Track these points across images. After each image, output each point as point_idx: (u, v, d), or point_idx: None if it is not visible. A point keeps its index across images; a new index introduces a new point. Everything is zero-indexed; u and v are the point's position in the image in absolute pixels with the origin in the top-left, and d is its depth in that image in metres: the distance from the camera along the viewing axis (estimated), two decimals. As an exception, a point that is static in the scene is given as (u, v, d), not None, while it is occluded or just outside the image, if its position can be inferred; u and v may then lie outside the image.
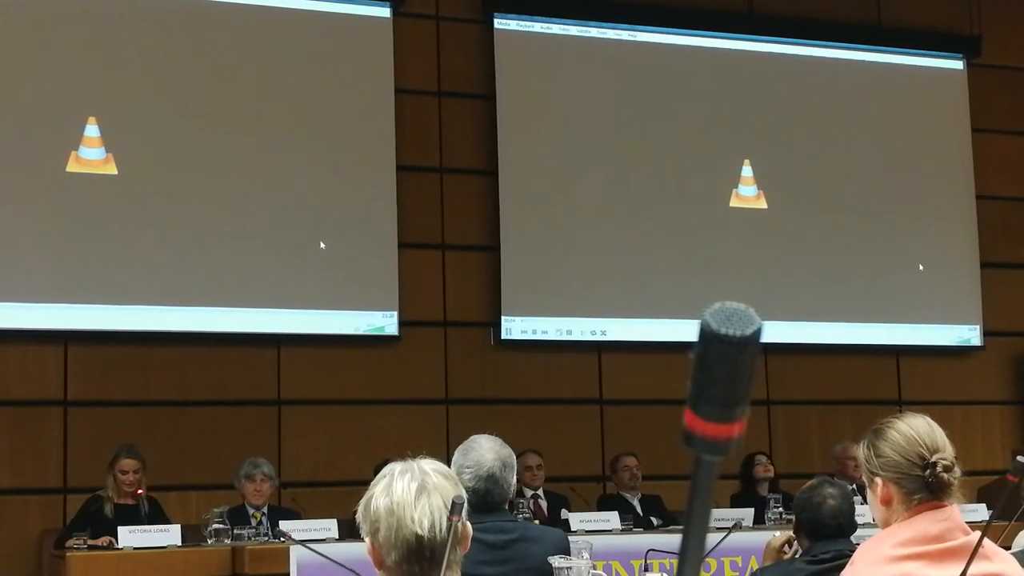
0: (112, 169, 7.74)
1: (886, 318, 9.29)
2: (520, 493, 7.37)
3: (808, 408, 9.14)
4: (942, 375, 9.43)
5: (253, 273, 7.92)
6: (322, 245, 8.10)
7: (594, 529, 6.62)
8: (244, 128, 8.05)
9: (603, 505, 7.76)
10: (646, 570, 5.73)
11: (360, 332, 8.15)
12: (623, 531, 6.85)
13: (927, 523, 2.50)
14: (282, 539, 6.01)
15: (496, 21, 8.70)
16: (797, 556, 3.92)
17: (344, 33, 8.35)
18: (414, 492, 2.19)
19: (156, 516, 6.83)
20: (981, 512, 6.46)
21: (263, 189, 8.03)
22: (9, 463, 7.48)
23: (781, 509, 7.00)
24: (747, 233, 9.07)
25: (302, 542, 5.64)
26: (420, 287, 8.34)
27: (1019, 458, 2.65)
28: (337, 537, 6.26)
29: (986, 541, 2.45)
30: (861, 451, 2.64)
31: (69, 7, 7.79)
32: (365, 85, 8.34)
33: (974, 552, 2.40)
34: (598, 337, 8.66)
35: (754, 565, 5.94)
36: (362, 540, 2.28)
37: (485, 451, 3.52)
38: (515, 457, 3.63)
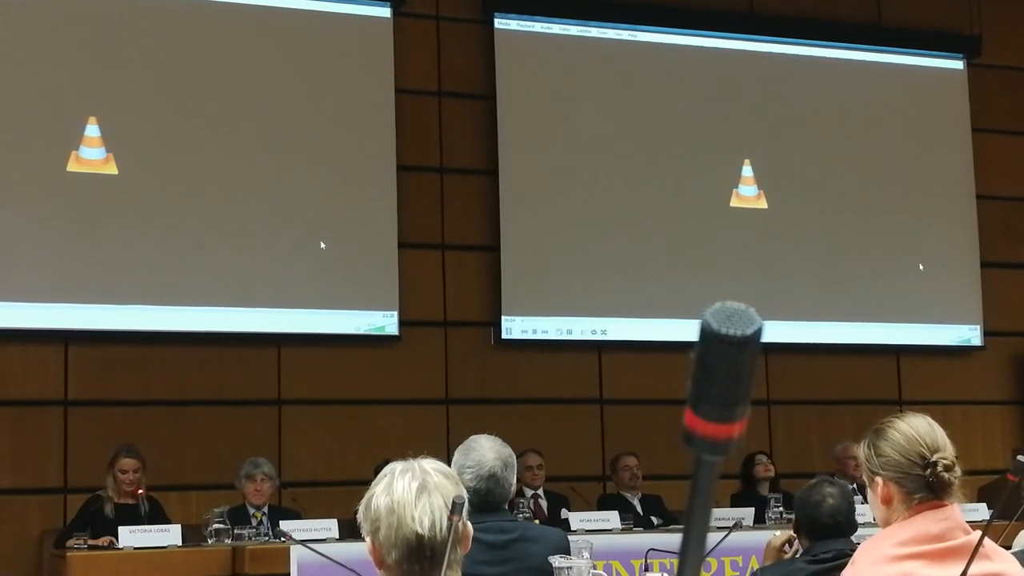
0: (112, 169, 7.74)
1: (886, 318, 9.29)
2: (520, 493, 7.37)
3: (808, 408, 9.14)
4: (942, 375, 9.43)
5: (253, 273, 7.92)
6: (322, 245, 8.10)
7: (594, 529, 6.62)
8: (244, 128, 8.05)
9: (603, 505, 7.76)
10: (646, 570, 5.73)
11: (360, 332, 8.15)
12: (623, 531, 6.85)
13: (928, 522, 2.50)
14: (282, 539, 6.01)
15: (496, 21, 8.70)
16: (797, 556, 3.92)
17: (344, 33, 8.35)
18: (415, 491, 2.19)
19: (156, 516, 6.83)
20: (981, 512, 6.46)
21: (263, 189, 8.03)
22: (9, 463, 7.48)
23: (781, 509, 7.00)
24: (747, 233, 9.07)
25: (302, 542, 5.64)
26: (420, 287, 8.34)
27: (1019, 457, 2.66)
28: (337, 537, 6.27)
29: (987, 540, 2.45)
30: (862, 451, 2.64)
31: (69, 7, 7.79)
32: (365, 85, 8.34)
33: (975, 551, 2.40)
34: (598, 337, 8.67)
35: (754, 565, 5.94)
36: (363, 540, 2.28)
37: (486, 451, 3.52)
38: (515, 457, 3.63)
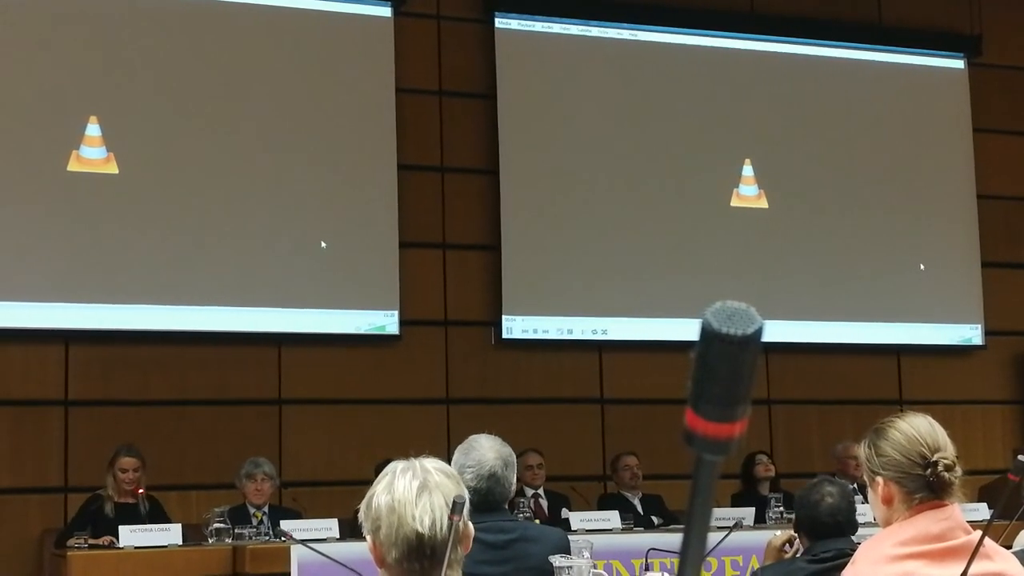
0: (113, 168, 7.74)
1: (887, 317, 9.29)
2: (521, 492, 7.37)
3: (809, 407, 9.14)
4: (943, 374, 9.42)
5: (254, 272, 7.92)
6: (323, 244, 8.10)
7: (595, 528, 6.62)
8: (245, 127, 8.05)
9: (604, 504, 7.76)
10: (647, 569, 5.73)
11: (361, 331, 8.15)
12: (624, 530, 6.85)
13: (928, 522, 2.50)
14: (283, 539, 6.00)
15: (497, 20, 8.70)
16: (798, 555, 3.92)
17: (345, 33, 8.35)
18: (415, 490, 2.19)
19: (156, 515, 6.83)
20: (982, 511, 6.47)
21: (264, 188, 8.03)
22: (10, 463, 7.48)
23: (782, 508, 7.00)
24: (748, 232, 9.07)
25: (303, 541, 5.64)
26: (421, 286, 8.34)
27: (1020, 457, 2.65)
28: (338, 537, 6.27)
29: (987, 540, 2.45)
30: (862, 450, 2.64)
31: (69, 7, 7.79)
32: (366, 84, 8.33)
33: (975, 551, 2.40)
34: (599, 336, 8.66)
35: (755, 564, 5.94)
36: (363, 539, 2.28)
37: (486, 450, 3.52)
38: (515, 456, 3.63)
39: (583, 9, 8.94)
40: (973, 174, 9.67)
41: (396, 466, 2.26)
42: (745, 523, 6.66)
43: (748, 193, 9.15)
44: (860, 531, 3.73)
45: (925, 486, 2.54)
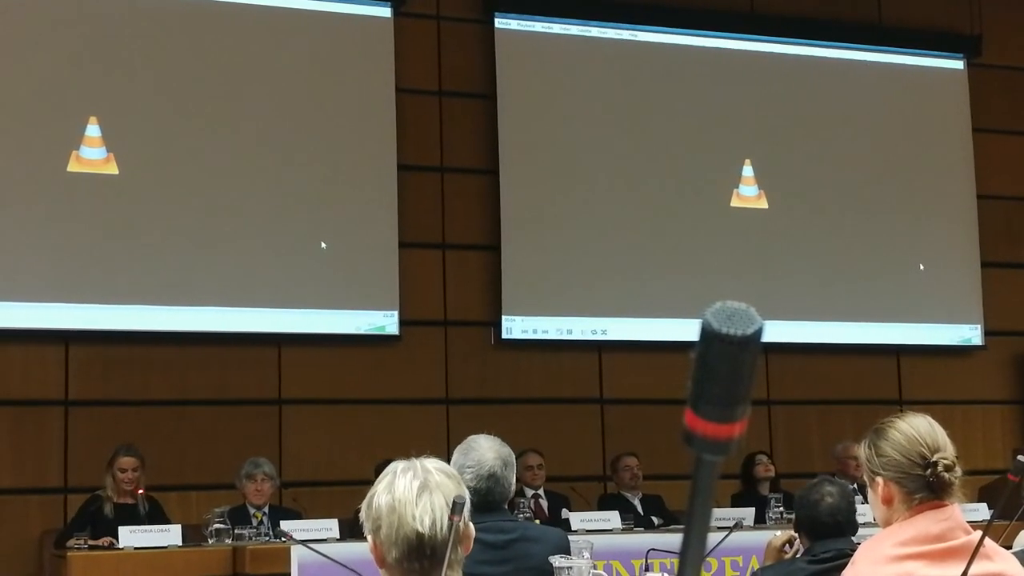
0: (113, 169, 7.74)
1: (887, 318, 9.29)
2: (521, 493, 7.37)
3: (809, 408, 9.13)
4: (943, 375, 9.42)
5: (254, 273, 7.92)
6: (323, 245, 8.10)
7: (595, 529, 6.62)
8: (245, 128, 8.05)
9: (604, 505, 7.76)
10: (647, 570, 5.73)
11: (361, 332, 8.15)
12: (624, 531, 6.85)
13: (928, 522, 2.50)
14: (283, 539, 6.00)
15: (497, 21, 8.70)
16: (798, 556, 3.92)
17: (345, 33, 8.35)
18: (416, 490, 2.20)
19: (156, 516, 6.83)
20: (982, 511, 6.46)
21: (264, 189, 8.03)
22: (10, 463, 7.48)
23: (782, 509, 7.00)
24: (748, 233, 9.07)
25: (303, 542, 5.64)
26: (421, 286, 8.34)
27: (1020, 457, 2.65)
28: (338, 537, 6.27)
29: (987, 540, 2.45)
30: (862, 450, 2.64)
31: (69, 7, 7.79)
32: (366, 85, 8.34)
33: (975, 551, 2.40)
34: (599, 337, 8.66)
35: (755, 565, 5.94)
36: (363, 540, 2.28)
37: (485, 450, 3.52)
38: (515, 456, 3.63)
39: (583, 9, 8.94)
40: (973, 174, 9.67)
41: (397, 466, 2.26)
42: (745, 523, 6.66)
43: (748, 193, 9.15)
44: (860, 531, 3.73)
45: (925, 486, 2.54)
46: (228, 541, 6.38)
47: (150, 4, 7.94)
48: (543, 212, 8.61)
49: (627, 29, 8.99)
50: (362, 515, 2.26)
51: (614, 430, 8.64)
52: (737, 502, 7.68)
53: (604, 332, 8.66)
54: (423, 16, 8.58)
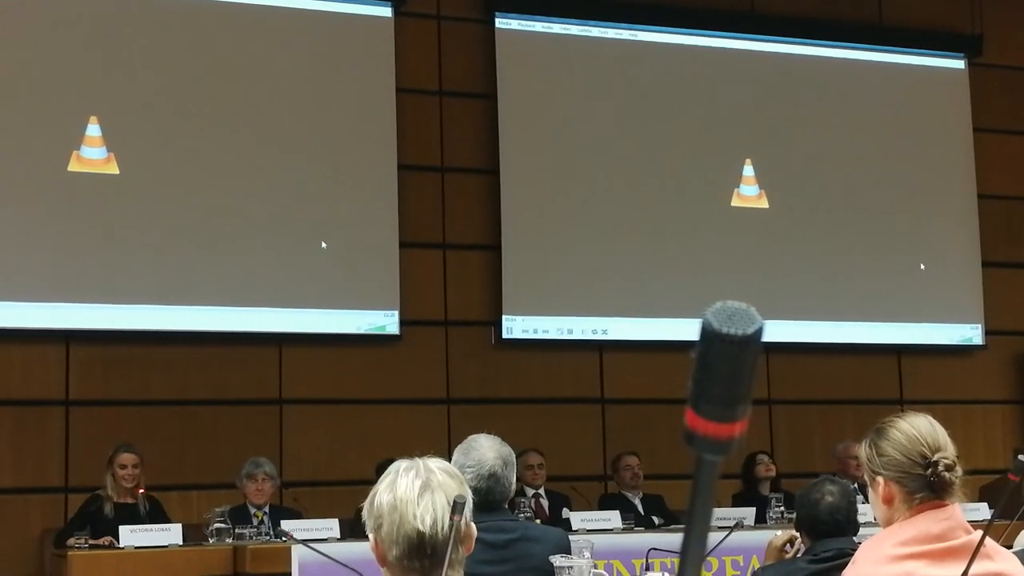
0: (114, 168, 7.74)
1: (888, 317, 9.29)
2: (521, 492, 7.37)
3: (809, 407, 9.13)
4: (944, 374, 9.42)
5: (254, 272, 7.92)
6: (323, 244, 8.10)
7: (595, 528, 6.62)
8: (245, 128, 8.05)
9: (604, 504, 7.76)
10: (647, 569, 5.72)
11: (361, 331, 8.15)
12: (624, 530, 6.85)
13: (929, 522, 2.50)
14: (284, 539, 6.00)
15: (497, 21, 8.70)
16: (799, 555, 3.92)
17: (346, 33, 8.35)
18: (418, 489, 2.20)
19: (156, 515, 6.83)
20: (983, 511, 6.47)
21: (264, 188, 8.03)
22: (10, 462, 7.48)
23: (782, 508, 7.00)
24: (749, 232, 9.07)
25: (304, 541, 5.63)
26: (421, 286, 8.34)
27: (1020, 457, 2.65)
28: (339, 537, 6.27)
29: (988, 540, 2.45)
30: (863, 450, 2.64)
31: (69, 7, 7.79)
32: (366, 84, 8.34)
33: (976, 551, 2.40)
34: (599, 336, 8.66)
35: (755, 564, 5.94)
36: (363, 540, 2.28)
37: (486, 450, 3.52)
38: (515, 456, 3.64)
39: (583, 9, 8.94)
40: (973, 174, 9.67)
41: (400, 465, 2.26)
42: (746, 523, 6.66)
43: (749, 193, 9.15)
44: (861, 531, 3.73)
45: (926, 486, 2.54)
46: (229, 541, 6.38)
47: (150, 4, 7.94)
48: (543, 212, 8.61)
49: (627, 29, 8.99)
50: (364, 513, 2.26)
51: (615, 430, 8.64)
52: (738, 502, 7.68)
53: (605, 332, 8.66)
54: (423, 16, 8.58)
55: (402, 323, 8.19)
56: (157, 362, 7.78)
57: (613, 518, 6.92)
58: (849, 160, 9.36)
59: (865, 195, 9.35)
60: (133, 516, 6.67)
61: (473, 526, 2.27)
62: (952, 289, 9.50)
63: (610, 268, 8.67)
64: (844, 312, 9.18)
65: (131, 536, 6.22)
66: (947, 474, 2.53)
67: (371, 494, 2.25)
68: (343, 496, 7.17)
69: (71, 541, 6.41)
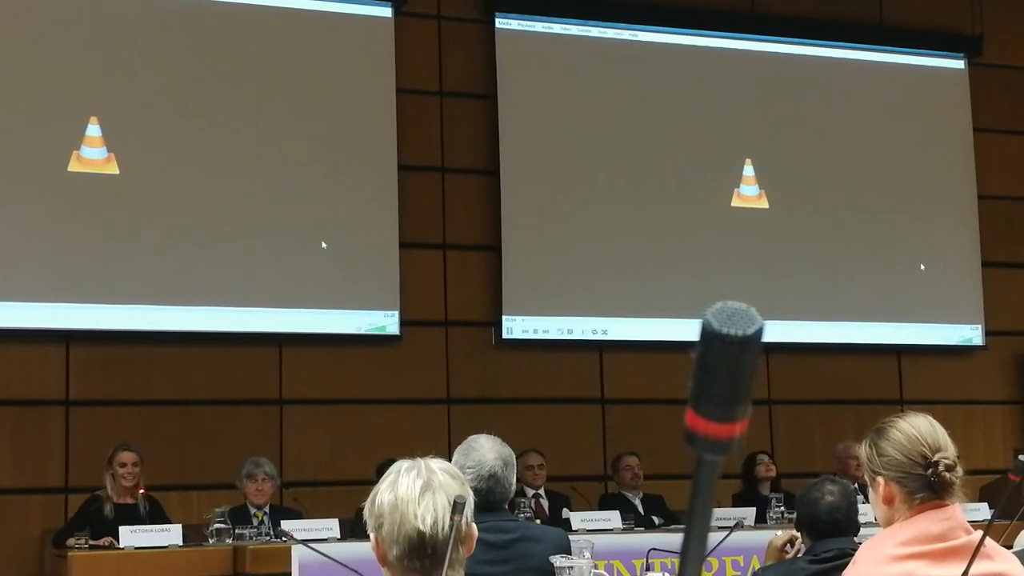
0: (114, 169, 7.74)
1: (888, 317, 9.29)
2: (521, 492, 7.37)
3: (810, 407, 9.13)
4: (944, 374, 9.42)
5: (254, 272, 7.92)
6: (324, 244, 8.10)
7: (595, 528, 6.62)
8: (245, 128, 8.05)
9: (604, 504, 7.76)
10: (647, 569, 5.73)
11: (361, 331, 8.15)
12: (624, 530, 6.85)
13: (929, 522, 2.50)
14: (284, 539, 6.00)
15: (498, 21, 8.70)
16: (799, 555, 3.92)
17: (346, 33, 8.35)
18: (419, 489, 2.20)
19: (156, 516, 6.83)
20: (983, 511, 6.47)
21: (264, 189, 8.03)
22: (11, 463, 7.48)
23: (783, 508, 7.00)
24: (749, 233, 9.07)
25: (304, 542, 5.63)
26: (421, 286, 8.34)
27: (1020, 457, 2.65)
28: (339, 537, 6.27)
29: (988, 540, 2.45)
30: (863, 450, 2.64)
31: (69, 7, 7.79)
32: (367, 85, 8.34)
33: (976, 551, 2.40)
34: (599, 336, 8.66)
35: (756, 564, 5.94)
36: (364, 540, 2.28)
37: (486, 450, 3.52)
38: (515, 456, 3.64)
39: (583, 9, 8.94)
40: (973, 174, 9.67)
41: (401, 465, 2.26)
42: (746, 523, 6.65)
43: (749, 193, 9.15)
44: (861, 531, 3.73)
45: (926, 486, 2.54)
46: (229, 541, 6.38)
47: (150, 4, 7.94)
48: (543, 212, 8.61)
49: (627, 29, 8.99)
50: (365, 513, 2.26)
51: (615, 430, 8.64)
52: (738, 502, 7.68)
53: (605, 332, 8.66)
54: (424, 16, 8.58)
55: (402, 323, 8.19)
56: (157, 362, 7.78)
57: (613, 518, 6.92)
58: (849, 160, 9.36)
59: (865, 195, 9.35)
60: (133, 516, 6.67)
61: (474, 526, 2.27)
62: (952, 289, 9.50)
63: (610, 268, 8.67)
64: (844, 312, 9.18)
65: (131, 536, 6.22)
66: (947, 474, 2.53)
67: (372, 494, 2.26)
68: (343, 496, 7.18)
69: (71, 541, 6.41)
